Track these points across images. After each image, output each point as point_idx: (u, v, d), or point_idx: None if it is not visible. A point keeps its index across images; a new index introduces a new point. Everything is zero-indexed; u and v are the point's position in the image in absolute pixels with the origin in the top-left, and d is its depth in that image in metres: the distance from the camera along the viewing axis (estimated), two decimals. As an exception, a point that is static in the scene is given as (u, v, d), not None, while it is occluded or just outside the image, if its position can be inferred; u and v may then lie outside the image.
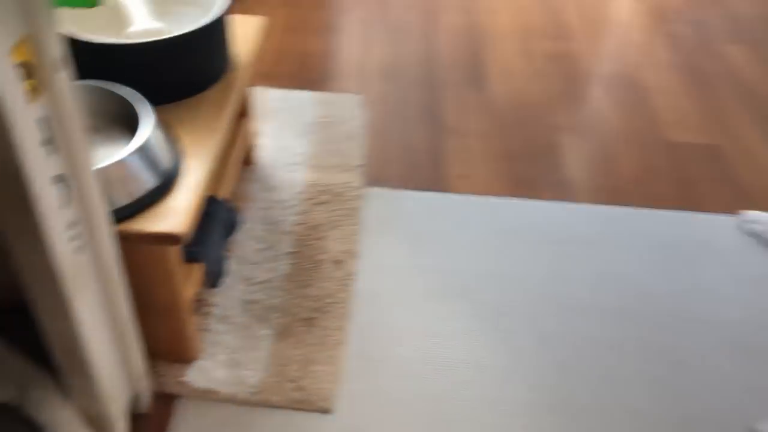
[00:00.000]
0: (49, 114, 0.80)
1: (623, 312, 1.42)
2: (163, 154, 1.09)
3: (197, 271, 1.23)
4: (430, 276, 1.47)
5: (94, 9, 1.02)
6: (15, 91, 0.72)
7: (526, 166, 1.76)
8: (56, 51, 0.79)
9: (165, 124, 1.17)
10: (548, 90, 2.03)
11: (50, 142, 0.80)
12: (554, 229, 1.59)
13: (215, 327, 1.33)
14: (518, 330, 1.37)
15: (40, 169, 0.78)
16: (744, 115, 1.97)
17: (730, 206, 1.67)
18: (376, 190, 1.66)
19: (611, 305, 1.43)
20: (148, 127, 1.08)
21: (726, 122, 1.94)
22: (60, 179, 0.83)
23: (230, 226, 1.41)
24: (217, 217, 1.29)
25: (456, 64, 2.12)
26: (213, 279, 1.32)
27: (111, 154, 1.03)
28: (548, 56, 2.18)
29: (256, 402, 1.22)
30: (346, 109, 1.88)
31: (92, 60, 1.18)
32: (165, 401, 1.21)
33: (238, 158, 1.52)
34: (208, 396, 1.22)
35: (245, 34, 1.46)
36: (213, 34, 1.28)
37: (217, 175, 1.36)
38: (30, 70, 0.75)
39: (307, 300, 1.39)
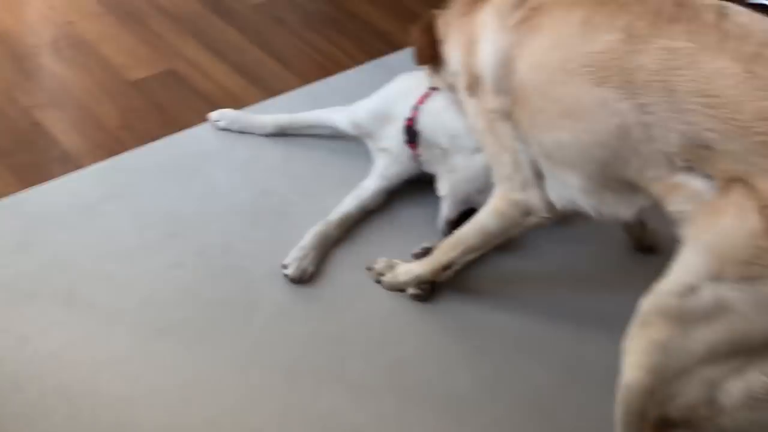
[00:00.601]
0: None
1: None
2: None
3: None
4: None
5: None
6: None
7: (24, 156, 1.85)
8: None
9: None
10: (0, 77, 2.08)
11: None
12: (64, 201, 1.75)
13: None
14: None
15: None
16: (180, 36, 2.33)
17: (202, 116, 2.04)
18: None
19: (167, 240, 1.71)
20: None
21: (170, 48, 2.27)
22: None
23: None
24: None
25: None
26: None
27: None
28: (-17, 42, 2.19)
29: None
30: None
31: None
32: None
33: None
34: None
35: None
36: None
37: None
38: None
39: None
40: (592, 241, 1.80)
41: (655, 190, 1.15)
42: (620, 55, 1.09)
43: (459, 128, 1.65)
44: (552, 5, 1.22)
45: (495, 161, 1.44)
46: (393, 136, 1.82)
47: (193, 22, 2.42)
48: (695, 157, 1.06)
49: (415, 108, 1.77)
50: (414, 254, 1.74)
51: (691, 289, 1.05)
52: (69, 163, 1.85)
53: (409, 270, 1.64)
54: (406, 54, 2.51)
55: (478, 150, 1.59)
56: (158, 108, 2.06)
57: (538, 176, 1.37)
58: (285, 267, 1.65)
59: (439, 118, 1.72)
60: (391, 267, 1.68)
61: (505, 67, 1.28)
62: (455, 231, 1.59)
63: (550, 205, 1.38)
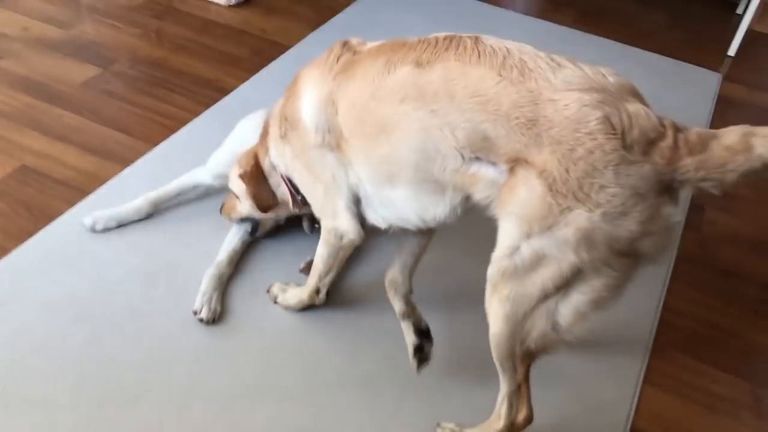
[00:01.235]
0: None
1: None
2: None
3: None
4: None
5: None
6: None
7: None
8: None
9: None
10: None
11: None
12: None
13: None
14: None
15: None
16: (20, 132, 2.41)
17: (69, 201, 2.16)
18: None
19: None
20: None
21: (14, 146, 2.35)
22: None
23: None
24: None
25: None
26: None
27: None
28: None
29: None
30: None
31: None
32: None
33: None
34: None
35: None
36: None
37: None
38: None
39: None
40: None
41: (458, 183, 1.41)
42: (414, 78, 1.39)
43: None
44: (361, 60, 1.51)
45: (311, 195, 1.72)
46: None
47: (28, 115, 2.51)
48: (478, 147, 1.34)
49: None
50: (301, 270, 2.01)
51: (514, 250, 1.33)
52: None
53: (294, 294, 1.92)
54: (237, 95, 2.78)
55: None
56: (24, 205, 2.15)
57: (356, 203, 1.63)
58: (196, 313, 1.86)
59: None
60: (283, 291, 1.94)
61: (327, 109, 1.54)
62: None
63: (357, 228, 1.66)
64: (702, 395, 1.87)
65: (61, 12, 3.14)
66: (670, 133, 1.24)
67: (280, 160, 1.76)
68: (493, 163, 1.35)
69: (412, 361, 1.79)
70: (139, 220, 2.12)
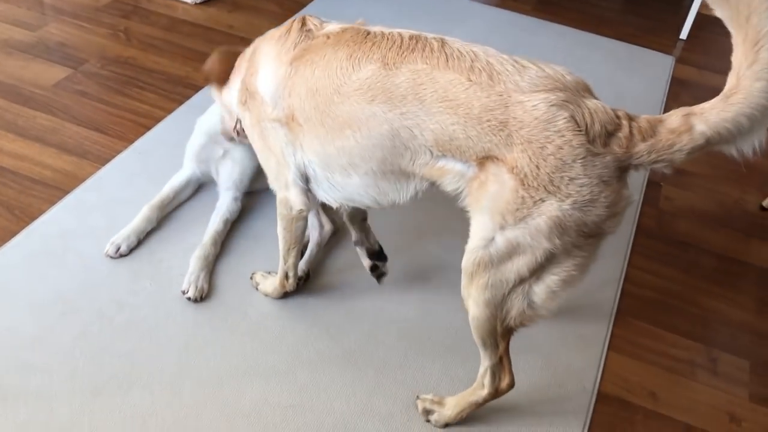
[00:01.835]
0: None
1: None
2: None
3: None
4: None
5: None
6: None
7: None
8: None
9: None
10: None
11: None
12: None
13: None
14: None
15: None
16: (-6, 135, 2.44)
17: (49, 200, 2.21)
18: None
19: None
20: None
21: (-12, 148, 2.39)
22: None
23: None
24: None
25: None
26: None
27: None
28: None
29: None
30: None
31: None
32: None
33: None
34: None
35: None
36: None
37: None
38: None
39: None
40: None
41: (426, 174, 1.49)
42: (380, 79, 1.45)
43: None
44: (319, 46, 1.55)
45: (265, 165, 1.79)
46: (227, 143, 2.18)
47: (2, 117, 2.54)
48: (446, 147, 1.42)
49: None
50: None
51: (489, 241, 1.42)
52: None
53: (271, 283, 2.00)
54: (209, 90, 2.81)
55: None
56: (4, 206, 2.19)
57: (303, 179, 1.70)
58: (185, 292, 1.95)
59: None
60: (264, 279, 2.02)
61: (281, 90, 1.60)
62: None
63: (306, 201, 1.74)
64: (662, 358, 2.00)
65: (27, 14, 3.16)
66: (624, 123, 1.35)
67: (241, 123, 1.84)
68: (463, 161, 1.44)
69: (372, 277, 2.02)
70: (124, 224, 2.17)
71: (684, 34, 3.68)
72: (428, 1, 3.67)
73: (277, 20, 3.27)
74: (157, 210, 2.18)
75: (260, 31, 1.79)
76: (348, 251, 2.17)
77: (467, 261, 1.49)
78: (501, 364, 1.63)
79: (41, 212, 2.18)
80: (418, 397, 1.78)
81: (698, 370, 1.99)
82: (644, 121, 1.36)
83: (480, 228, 1.45)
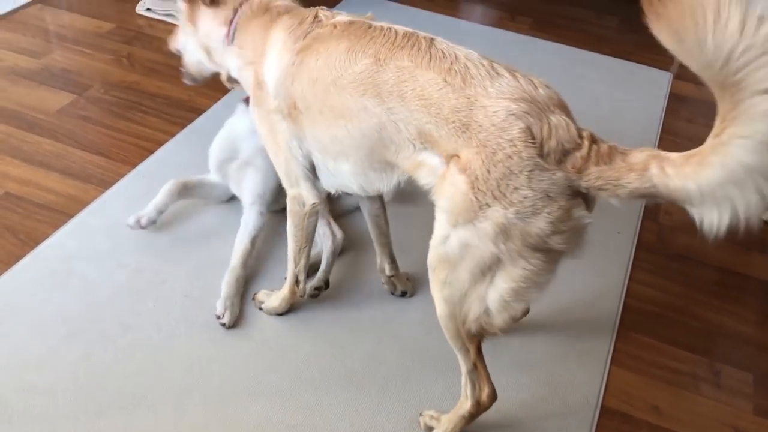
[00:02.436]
0: None
1: None
2: None
3: None
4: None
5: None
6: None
7: None
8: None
9: None
10: None
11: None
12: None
13: None
14: None
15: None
16: (0, 160, 2.48)
17: (53, 225, 2.23)
18: None
19: None
20: None
21: (-7, 173, 2.42)
22: None
23: None
24: None
25: None
26: None
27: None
28: None
29: None
30: None
31: None
32: None
33: None
34: None
35: None
36: None
37: None
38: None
39: None
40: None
41: (407, 166, 1.53)
42: (372, 74, 1.50)
43: None
44: (326, 37, 1.60)
45: (276, 163, 1.81)
46: (250, 146, 2.17)
47: (7, 143, 2.57)
48: (426, 141, 1.46)
49: None
50: (285, 277, 2.10)
51: (445, 238, 1.46)
52: None
53: (278, 295, 2.01)
54: (211, 114, 2.86)
55: None
56: (10, 230, 2.22)
57: (312, 170, 1.75)
58: (219, 317, 1.98)
59: None
60: (268, 296, 2.03)
61: (285, 79, 1.65)
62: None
63: (317, 194, 1.78)
64: (665, 372, 2.00)
65: (32, 42, 3.21)
66: (586, 143, 1.37)
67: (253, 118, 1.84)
68: (438, 156, 1.48)
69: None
70: (127, 247, 2.20)
71: (681, 51, 3.71)
72: (428, 21, 3.71)
73: (278, 44, 3.31)
74: (180, 186, 2.24)
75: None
76: (349, 264, 2.18)
77: (429, 257, 1.53)
78: (476, 370, 1.64)
79: (46, 236, 2.21)
80: (420, 414, 1.79)
81: (701, 383, 1.99)
82: (605, 147, 1.37)
83: (439, 225, 1.49)
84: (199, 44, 1.90)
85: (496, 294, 1.47)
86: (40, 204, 2.33)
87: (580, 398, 1.89)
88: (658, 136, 3.01)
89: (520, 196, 1.36)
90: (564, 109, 1.42)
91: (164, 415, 1.75)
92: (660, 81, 3.45)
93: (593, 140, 1.38)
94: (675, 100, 3.30)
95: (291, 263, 1.93)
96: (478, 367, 1.64)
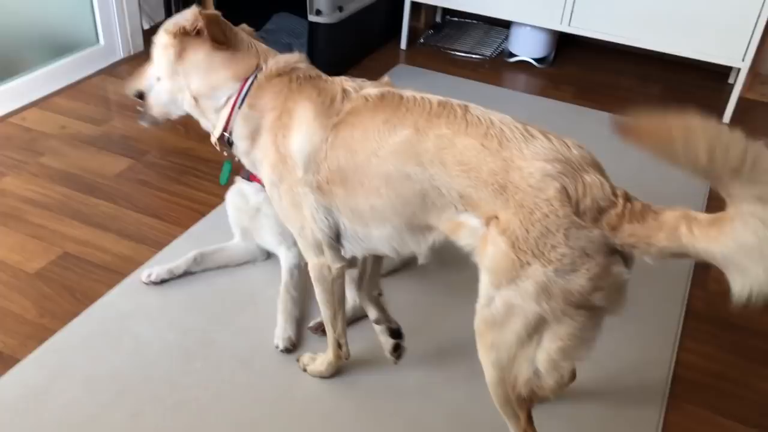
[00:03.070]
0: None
1: None
2: None
3: None
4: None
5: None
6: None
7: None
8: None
9: None
10: None
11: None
12: (16, 394, 1.96)
13: None
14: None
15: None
16: (60, 221, 2.58)
17: (108, 284, 2.31)
18: None
19: None
20: None
21: (55, 234, 2.53)
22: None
23: None
24: None
25: None
26: None
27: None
28: None
29: None
30: None
31: None
32: None
33: None
34: None
35: None
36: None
37: None
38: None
39: None
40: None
41: (446, 228, 1.55)
42: (413, 145, 1.53)
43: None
44: (359, 110, 1.62)
45: (299, 234, 1.78)
46: (257, 197, 2.33)
47: (66, 205, 2.69)
48: (467, 204, 1.48)
49: None
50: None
51: (490, 300, 1.48)
52: (6, 361, 2.05)
53: (323, 360, 2.03)
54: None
55: None
56: (67, 289, 2.30)
57: (336, 238, 1.75)
58: (277, 346, 2.12)
59: None
60: (312, 360, 2.05)
61: (318, 153, 1.63)
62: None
63: (340, 257, 1.78)
64: (719, 446, 1.94)
65: (94, 110, 3.38)
66: (620, 202, 1.39)
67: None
68: (479, 218, 1.50)
69: (390, 357, 2.03)
70: (177, 308, 2.25)
71: (727, 118, 3.71)
72: (471, 89, 3.80)
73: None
74: (198, 255, 2.36)
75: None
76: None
77: (476, 320, 1.54)
78: None
79: (100, 295, 2.28)
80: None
81: (759, 458, 1.92)
82: (639, 205, 1.40)
83: (483, 287, 1.51)
84: (185, 90, 1.77)
85: (544, 354, 1.48)
86: (96, 264, 2.42)
87: (630, 470, 1.84)
88: (705, 203, 2.99)
89: (558, 254, 1.38)
90: (598, 168, 1.45)
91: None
92: (706, 148, 3.43)
93: (627, 198, 1.40)
94: (722, 167, 3.28)
95: (329, 330, 1.95)
96: None
